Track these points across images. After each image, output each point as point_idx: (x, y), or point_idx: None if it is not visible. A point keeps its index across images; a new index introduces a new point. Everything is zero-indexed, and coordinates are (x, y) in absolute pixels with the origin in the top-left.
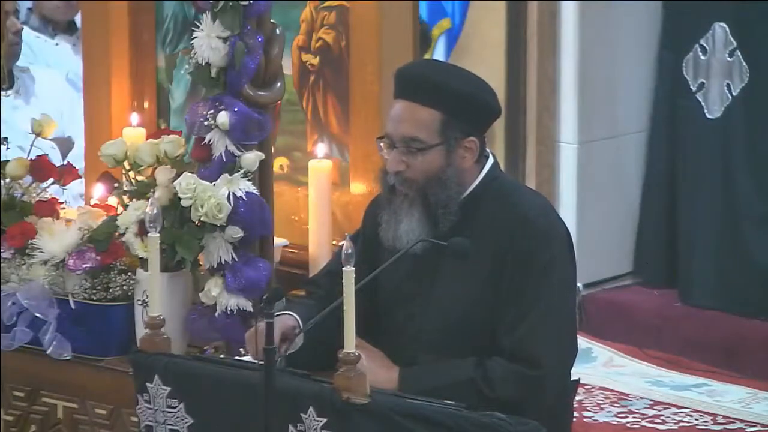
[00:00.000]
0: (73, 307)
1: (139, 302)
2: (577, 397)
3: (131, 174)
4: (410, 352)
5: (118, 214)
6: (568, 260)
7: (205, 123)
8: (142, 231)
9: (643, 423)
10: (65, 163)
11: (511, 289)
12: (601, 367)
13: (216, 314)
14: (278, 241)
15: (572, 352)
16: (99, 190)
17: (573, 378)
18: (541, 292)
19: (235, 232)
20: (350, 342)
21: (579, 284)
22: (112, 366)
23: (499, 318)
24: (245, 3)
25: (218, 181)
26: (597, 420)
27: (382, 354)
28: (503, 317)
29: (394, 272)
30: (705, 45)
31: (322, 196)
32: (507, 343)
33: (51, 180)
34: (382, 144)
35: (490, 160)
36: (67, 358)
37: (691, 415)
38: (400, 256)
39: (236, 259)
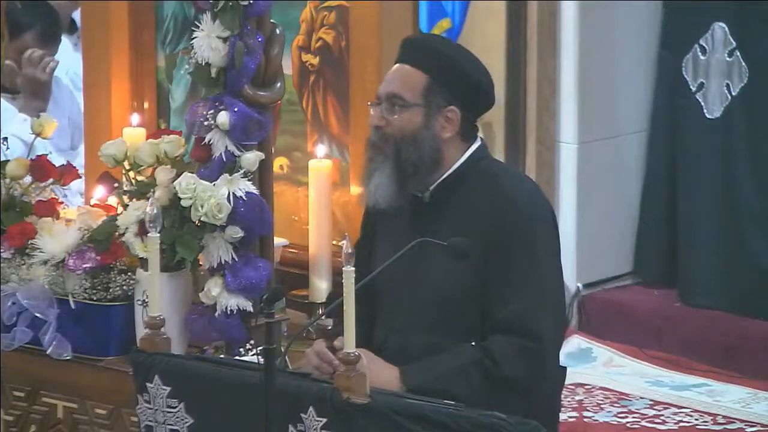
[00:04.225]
0: (73, 307)
1: (139, 302)
2: (577, 397)
3: (131, 174)
4: (402, 335)
5: (118, 214)
6: (554, 235)
7: (205, 123)
8: (142, 231)
9: (643, 423)
10: (65, 163)
11: (500, 266)
12: (601, 367)
13: (216, 314)
14: (278, 241)
15: (564, 323)
16: (100, 190)
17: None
18: (530, 266)
19: (235, 232)
20: (350, 342)
21: (579, 284)
22: (112, 366)
23: (490, 294)
24: (245, 3)
25: (218, 181)
26: (597, 420)
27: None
28: (494, 293)
29: (384, 256)
30: (704, 45)
31: (322, 196)
32: (501, 316)
33: (51, 180)
34: (372, 108)
35: (478, 142)
36: (67, 358)
37: (691, 415)
38: (399, 257)
39: (236, 259)
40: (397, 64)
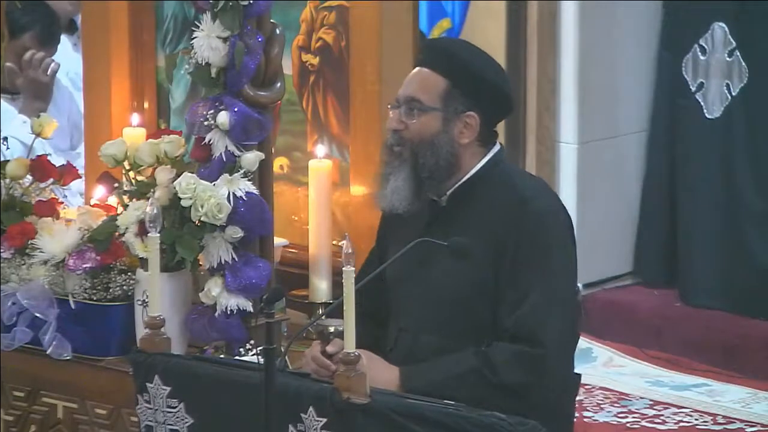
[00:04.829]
0: (73, 307)
1: (139, 302)
2: (577, 397)
3: (131, 174)
4: (411, 335)
5: (118, 214)
6: (569, 242)
7: (205, 123)
8: (142, 231)
9: (643, 423)
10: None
11: (511, 271)
12: (601, 367)
13: (216, 314)
14: (278, 241)
15: (573, 334)
16: (100, 190)
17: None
18: (540, 272)
19: (235, 232)
20: (350, 342)
21: (579, 284)
22: (112, 366)
23: (500, 299)
24: (245, 3)
25: (218, 181)
26: (597, 420)
27: (380, 357)
28: (504, 298)
29: (399, 261)
30: (704, 45)
31: (322, 196)
32: (508, 323)
33: (51, 180)
34: (391, 111)
35: (497, 147)
36: (67, 358)
37: (691, 415)
38: (399, 257)
39: (236, 259)
40: (417, 68)
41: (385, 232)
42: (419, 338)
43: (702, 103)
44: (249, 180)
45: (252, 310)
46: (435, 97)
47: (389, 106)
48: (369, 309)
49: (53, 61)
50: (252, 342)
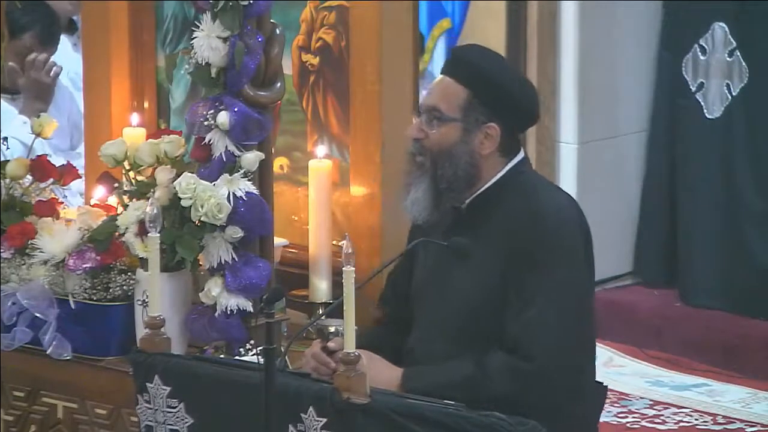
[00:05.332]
0: (73, 307)
1: (139, 302)
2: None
3: (131, 174)
4: (428, 341)
5: (118, 214)
6: (580, 259)
7: (205, 123)
8: (142, 231)
9: (643, 423)
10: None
11: (516, 282)
12: (601, 367)
13: (216, 314)
14: (278, 241)
15: (579, 346)
16: (100, 190)
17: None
18: (545, 283)
19: (235, 232)
20: (350, 342)
21: None
22: (112, 366)
23: (506, 307)
24: (245, 3)
25: (218, 181)
26: None
27: (381, 357)
28: (509, 310)
29: (424, 264)
30: (704, 45)
31: (322, 196)
32: (509, 331)
33: (51, 180)
34: (414, 118)
35: (520, 156)
36: (67, 358)
37: (691, 415)
38: (398, 257)
39: (236, 259)
40: (440, 76)
41: (413, 240)
42: (435, 345)
43: (702, 103)
44: (249, 180)
45: (252, 310)
46: (455, 107)
47: (413, 113)
48: (395, 315)
49: (56, 63)
50: (252, 342)
